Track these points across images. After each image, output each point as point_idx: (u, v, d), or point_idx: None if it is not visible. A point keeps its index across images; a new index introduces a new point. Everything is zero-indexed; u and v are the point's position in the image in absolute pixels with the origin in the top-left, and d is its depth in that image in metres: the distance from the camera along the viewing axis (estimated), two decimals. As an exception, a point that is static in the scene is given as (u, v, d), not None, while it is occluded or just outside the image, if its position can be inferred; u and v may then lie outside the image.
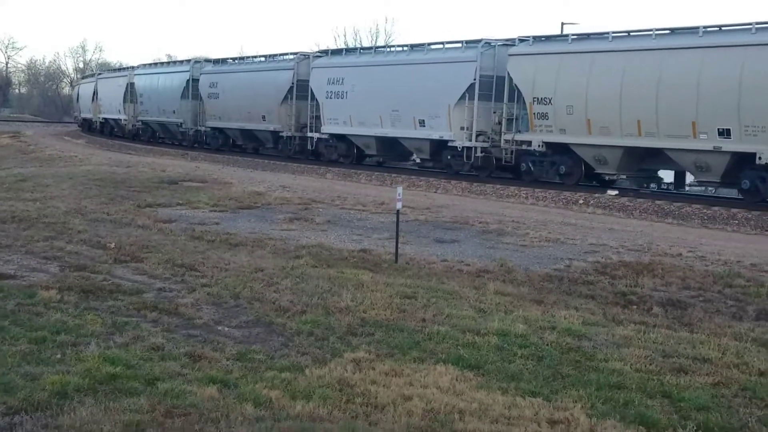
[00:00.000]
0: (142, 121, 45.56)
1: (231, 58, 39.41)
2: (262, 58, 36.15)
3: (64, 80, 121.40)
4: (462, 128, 23.92)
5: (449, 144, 24.53)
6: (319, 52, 33.96)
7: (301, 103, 31.44)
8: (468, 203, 18.60)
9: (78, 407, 5.12)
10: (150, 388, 5.62)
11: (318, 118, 30.16)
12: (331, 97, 29.14)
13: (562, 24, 36.49)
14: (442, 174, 25.71)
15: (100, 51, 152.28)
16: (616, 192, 19.92)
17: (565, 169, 21.92)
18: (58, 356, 6.25)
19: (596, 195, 19.65)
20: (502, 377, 6.37)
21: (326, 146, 30.47)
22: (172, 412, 5.18)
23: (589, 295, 9.78)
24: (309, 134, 30.98)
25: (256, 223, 14.81)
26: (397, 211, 11.96)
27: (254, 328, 7.65)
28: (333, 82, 29.04)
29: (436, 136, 24.95)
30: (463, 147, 24.03)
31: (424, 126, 25.22)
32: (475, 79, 23.54)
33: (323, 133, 30.05)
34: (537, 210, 17.83)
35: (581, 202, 18.77)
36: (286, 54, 34.26)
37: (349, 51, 31.48)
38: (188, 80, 39.52)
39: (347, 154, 29.78)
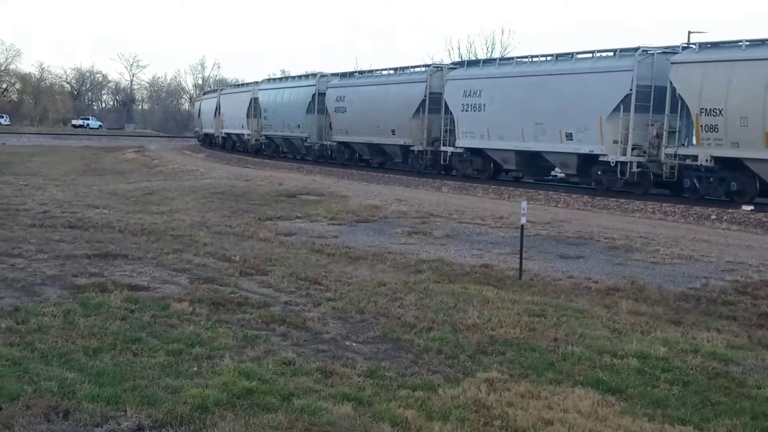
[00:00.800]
0: (265, 135, 45.56)
1: (358, 72, 38.71)
2: (391, 71, 35.53)
3: (184, 96, 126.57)
4: (615, 142, 22.62)
5: (600, 158, 23.24)
6: (453, 63, 32.51)
7: (433, 117, 30.67)
8: (590, 218, 18.04)
9: (219, 422, 5.12)
10: (286, 403, 5.58)
11: (451, 131, 29.25)
12: (467, 110, 28.18)
13: (689, 33, 34.86)
14: (561, 187, 25.08)
15: (218, 68, 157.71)
16: (752, 207, 18.81)
17: (736, 186, 20.18)
18: (195, 369, 6.32)
19: (730, 210, 18.58)
20: (647, 403, 6.03)
21: (460, 161, 29.45)
22: (310, 429, 5.12)
23: (731, 317, 9.25)
24: (442, 148, 30.03)
25: (374, 236, 14.80)
26: (521, 225, 11.67)
27: (381, 344, 7.55)
28: (469, 95, 28.07)
29: (585, 150, 23.71)
30: (616, 162, 22.71)
31: (571, 139, 23.97)
32: (631, 90, 22.23)
33: (458, 147, 29.03)
34: (666, 225, 17.10)
35: (713, 217, 17.87)
36: (417, 66, 33.56)
37: (486, 62, 30.00)
38: (314, 94, 39.11)
39: (483, 168, 28.71)
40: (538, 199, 22.42)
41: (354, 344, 7.54)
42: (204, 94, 71.14)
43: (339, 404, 5.63)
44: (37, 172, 29.72)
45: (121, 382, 5.77)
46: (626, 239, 14.38)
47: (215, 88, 75.80)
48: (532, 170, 28.00)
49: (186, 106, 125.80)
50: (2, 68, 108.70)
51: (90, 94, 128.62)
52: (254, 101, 46.85)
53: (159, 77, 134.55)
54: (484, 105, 27.35)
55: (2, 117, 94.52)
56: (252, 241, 13.87)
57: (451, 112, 29.10)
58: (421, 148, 31.34)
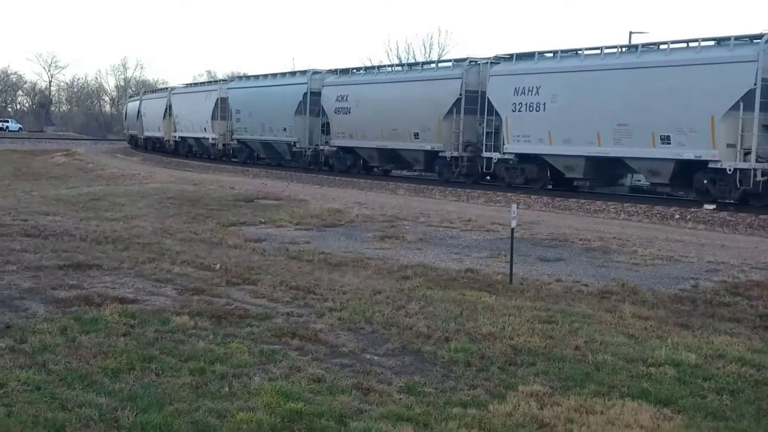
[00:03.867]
0: (238, 140, 40.36)
1: (361, 68, 34.11)
2: (405, 68, 32.03)
3: (105, 98, 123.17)
4: (730, 146, 19.67)
5: (710, 165, 20.03)
6: (495, 57, 27.58)
7: (468, 118, 26.82)
8: (556, 219, 18.05)
9: (288, 452, 4.73)
10: (344, 428, 5.22)
11: (493, 134, 25.68)
12: (519, 110, 24.44)
13: (630, 33, 35.38)
14: (521, 189, 24.40)
15: (141, 68, 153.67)
16: (714, 206, 19.05)
17: None
18: (226, 389, 5.88)
19: (692, 209, 18.78)
20: (705, 415, 5.85)
21: (508, 168, 25.64)
22: (384, 456, 4.77)
23: (733, 319, 9.23)
24: (485, 154, 25.92)
25: (346, 241, 14.46)
26: (512, 230, 11.47)
27: (404, 357, 7.22)
28: (522, 92, 24.40)
29: (688, 155, 20.34)
30: (734, 169, 19.53)
31: (668, 143, 20.64)
32: (755, 84, 19.14)
33: (506, 153, 25.24)
34: (633, 226, 17.22)
35: (677, 217, 18.07)
36: (444, 61, 29.91)
37: (542, 54, 25.26)
38: (305, 93, 34.67)
39: (538, 177, 25.08)
40: (497, 201, 22.38)
41: (375, 357, 7.19)
42: (144, 94, 63.66)
43: (398, 426, 5.29)
44: (-34, 176, 28.28)
45: (161, 407, 5.30)
46: (600, 240, 14.39)
47: (161, 87, 69.49)
48: (602, 178, 24.86)
49: (108, 107, 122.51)
50: None
51: (5, 95, 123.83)
52: (221, 101, 41.49)
53: (79, 78, 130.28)
54: (544, 104, 23.74)
55: None
56: (223, 248, 13.35)
57: (496, 113, 25.41)
58: (454, 154, 27.38)
